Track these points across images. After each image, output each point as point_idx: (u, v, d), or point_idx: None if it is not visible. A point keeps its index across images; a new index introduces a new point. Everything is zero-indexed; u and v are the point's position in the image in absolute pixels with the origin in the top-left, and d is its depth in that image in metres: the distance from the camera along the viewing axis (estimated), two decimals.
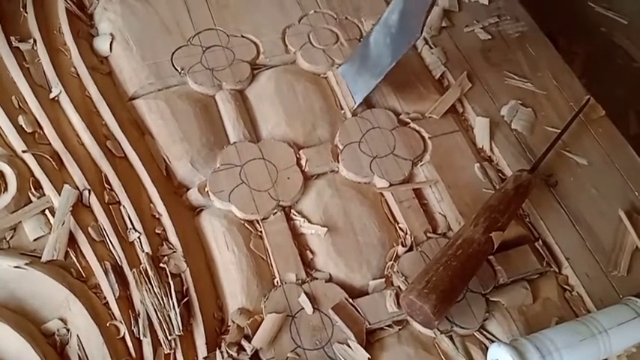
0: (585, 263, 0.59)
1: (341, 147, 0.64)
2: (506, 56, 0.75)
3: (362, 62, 0.67)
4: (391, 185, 0.62)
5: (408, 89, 0.70)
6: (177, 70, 0.68)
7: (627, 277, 0.59)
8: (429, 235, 0.60)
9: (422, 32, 0.60)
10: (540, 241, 0.60)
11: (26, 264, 0.53)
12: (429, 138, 0.66)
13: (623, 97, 0.87)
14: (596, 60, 0.90)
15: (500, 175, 0.65)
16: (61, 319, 0.52)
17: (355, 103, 0.67)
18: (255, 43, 0.72)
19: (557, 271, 0.59)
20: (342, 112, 0.68)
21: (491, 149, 0.67)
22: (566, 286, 0.58)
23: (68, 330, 0.52)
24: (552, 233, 0.60)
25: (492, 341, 0.53)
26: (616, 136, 0.69)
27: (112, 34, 0.70)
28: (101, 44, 0.70)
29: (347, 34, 0.74)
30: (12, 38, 0.67)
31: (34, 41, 0.67)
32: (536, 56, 0.75)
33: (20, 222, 0.56)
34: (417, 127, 0.67)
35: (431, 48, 0.74)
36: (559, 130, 0.66)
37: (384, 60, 0.64)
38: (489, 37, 0.76)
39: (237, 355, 0.51)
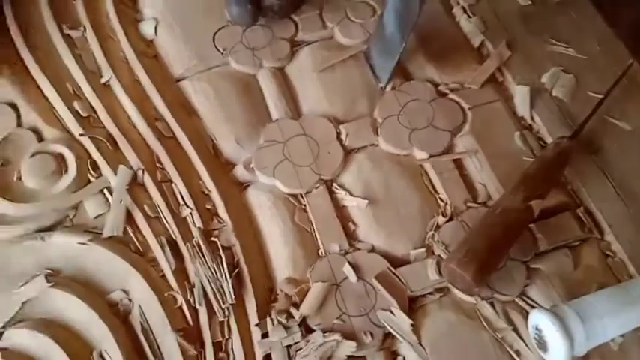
0: (628, 230, 0.59)
1: (380, 120, 0.65)
2: (546, 22, 0.73)
3: (380, 43, 0.67)
4: (431, 157, 0.63)
5: (446, 59, 0.70)
6: (219, 51, 0.70)
7: None
8: (469, 205, 0.61)
9: (421, 9, 0.59)
10: (582, 208, 0.60)
11: (89, 240, 0.57)
12: (468, 108, 0.66)
13: None
14: None
15: (541, 143, 0.65)
16: (124, 290, 0.56)
17: (382, 83, 0.68)
18: (293, 20, 0.73)
19: (599, 237, 0.59)
20: (380, 85, 0.68)
21: (532, 117, 0.66)
22: (608, 252, 0.59)
23: (130, 300, 0.55)
24: (594, 200, 0.60)
25: (533, 307, 0.54)
26: None
27: (155, 18, 0.72)
28: (146, 28, 0.72)
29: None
30: (63, 26, 0.70)
31: (84, 29, 0.71)
32: (578, 21, 0.73)
33: (81, 201, 0.60)
34: (457, 98, 0.67)
35: (469, 17, 0.73)
36: (601, 96, 0.65)
37: (396, 39, 0.64)
38: (529, 2, 0.75)
39: (287, 321, 0.53)
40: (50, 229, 0.59)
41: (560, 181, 0.61)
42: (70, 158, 0.61)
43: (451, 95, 0.67)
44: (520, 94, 0.67)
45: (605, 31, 0.73)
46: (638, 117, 0.66)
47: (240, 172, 0.63)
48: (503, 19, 0.73)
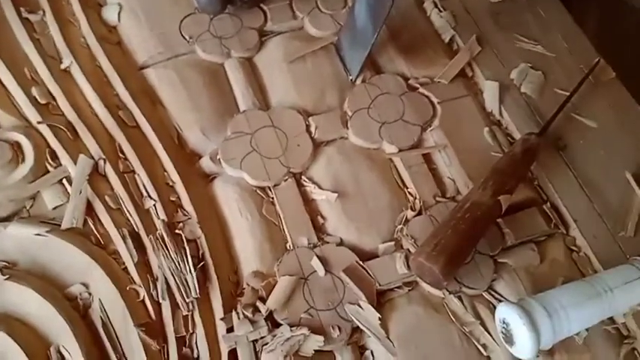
0: (593, 225, 0.60)
1: (350, 113, 0.65)
2: (516, 19, 0.74)
3: (351, 35, 0.66)
4: (400, 151, 0.63)
5: (417, 54, 0.70)
6: (185, 39, 0.68)
7: (634, 238, 0.59)
8: (437, 199, 0.61)
9: (393, 2, 0.58)
10: (548, 203, 0.61)
11: (47, 232, 0.55)
12: (438, 103, 0.66)
13: (635, 58, 0.86)
14: (609, 21, 0.89)
15: (509, 138, 0.65)
16: (83, 284, 0.54)
17: (352, 76, 0.67)
18: (262, 10, 0.72)
19: (564, 232, 0.60)
20: (351, 77, 0.68)
21: (501, 113, 0.67)
22: (573, 247, 0.59)
23: (90, 294, 0.54)
24: (560, 196, 0.61)
25: (500, 301, 0.54)
26: (626, 98, 0.69)
27: (119, 4, 0.70)
28: (109, 14, 0.70)
29: None
30: (22, 9, 0.67)
31: (44, 12, 0.68)
32: (547, 18, 0.74)
33: (39, 191, 0.58)
34: (426, 92, 0.67)
35: (440, 11, 0.73)
36: (568, 93, 0.66)
37: (368, 31, 0.63)
38: None
39: (253, 316, 0.52)
40: (6, 219, 0.56)
41: (527, 176, 0.62)
42: (27, 147, 0.59)
43: (421, 89, 0.67)
44: (489, 90, 0.68)
45: (573, 29, 0.73)
46: (603, 114, 0.67)
47: (206, 163, 0.62)
48: (474, 15, 0.74)
